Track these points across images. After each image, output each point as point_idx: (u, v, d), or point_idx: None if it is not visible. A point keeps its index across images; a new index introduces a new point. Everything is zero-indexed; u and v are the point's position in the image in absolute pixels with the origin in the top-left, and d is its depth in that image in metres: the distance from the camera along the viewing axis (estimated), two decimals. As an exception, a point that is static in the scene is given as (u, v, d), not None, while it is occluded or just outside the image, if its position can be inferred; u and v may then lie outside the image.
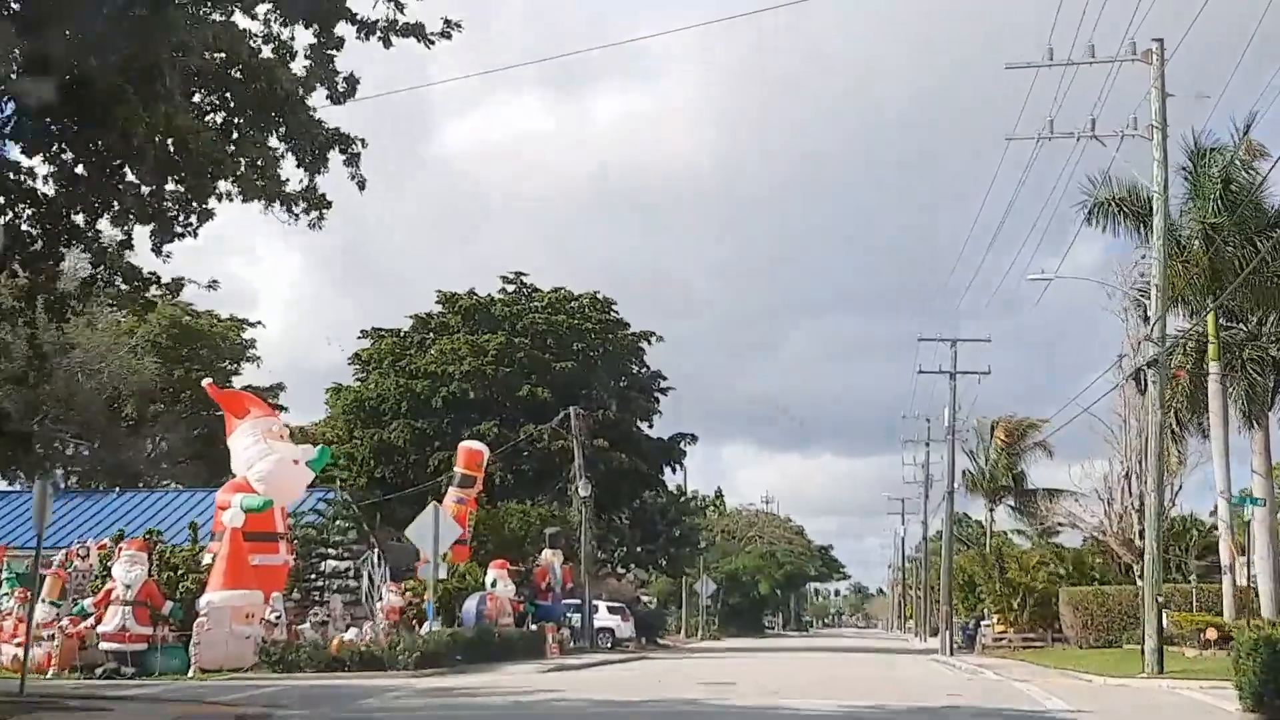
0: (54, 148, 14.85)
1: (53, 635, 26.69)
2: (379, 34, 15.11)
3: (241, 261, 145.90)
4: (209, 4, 14.43)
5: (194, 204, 15.17)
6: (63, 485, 53.58)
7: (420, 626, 31.75)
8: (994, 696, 21.53)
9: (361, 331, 59.09)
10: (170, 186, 15.11)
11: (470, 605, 36.36)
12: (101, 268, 16.01)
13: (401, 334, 57.96)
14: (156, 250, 15.33)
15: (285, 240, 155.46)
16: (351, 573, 34.20)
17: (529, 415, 53.24)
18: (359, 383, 57.15)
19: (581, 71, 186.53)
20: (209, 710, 17.48)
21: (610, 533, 57.95)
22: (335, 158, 15.41)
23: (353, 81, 15.33)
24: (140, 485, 48.70)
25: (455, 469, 43.93)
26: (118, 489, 43.48)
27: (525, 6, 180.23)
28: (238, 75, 15.14)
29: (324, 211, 15.27)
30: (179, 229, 15.33)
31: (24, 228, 15.49)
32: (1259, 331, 35.15)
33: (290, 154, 15.15)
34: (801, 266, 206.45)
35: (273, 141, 15.30)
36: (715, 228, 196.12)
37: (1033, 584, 48.00)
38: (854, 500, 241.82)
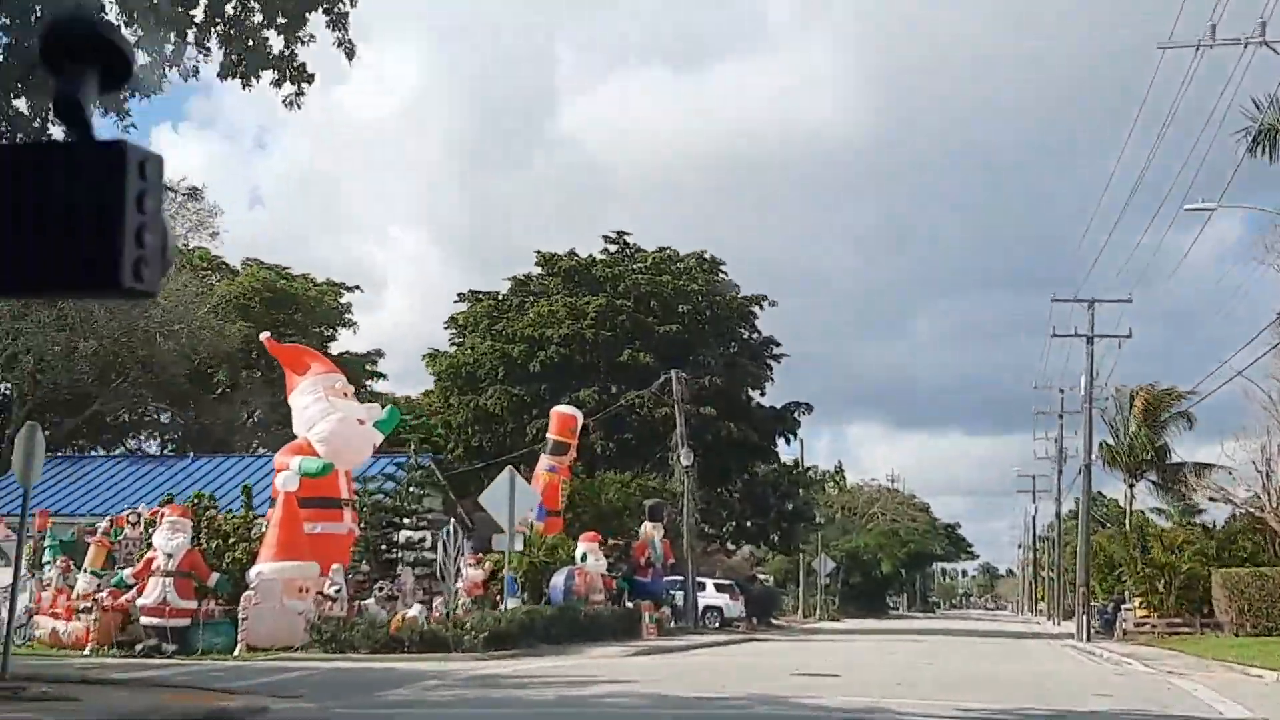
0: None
1: (89, 608, 24.45)
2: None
3: (373, 241, 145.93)
4: None
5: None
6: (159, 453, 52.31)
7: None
8: (1153, 697, 17.89)
9: (458, 295, 56.63)
10: None
11: (558, 581, 33.60)
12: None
13: (499, 297, 55.29)
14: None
15: (410, 222, 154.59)
16: (428, 544, 31.53)
17: (630, 381, 50.17)
18: (455, 348, 54.68)
19: (705, 41, 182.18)
20: (193, 700, 14.75)
21: (719, 506, 54.58)
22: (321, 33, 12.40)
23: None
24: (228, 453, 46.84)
25: (548, 435, 41.20)
26: (189, 455, 41.59)
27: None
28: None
29: (303, 86, 12.31)
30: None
31: None
32: None
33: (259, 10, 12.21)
34: (931, 240, 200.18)
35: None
36: (843, 200, 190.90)
37: (1178, 565, 43.73)
38: (983, 480, 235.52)
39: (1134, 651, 33.58)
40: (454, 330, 55.42)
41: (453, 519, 37.91)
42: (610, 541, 40.55)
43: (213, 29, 12.25)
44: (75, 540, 28.34)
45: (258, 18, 12.12)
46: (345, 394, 28.79)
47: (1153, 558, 44.89)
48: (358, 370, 58.12)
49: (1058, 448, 68.04)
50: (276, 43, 12.34)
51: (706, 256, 55.36)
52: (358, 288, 60.58)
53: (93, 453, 45.99)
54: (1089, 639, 43.44)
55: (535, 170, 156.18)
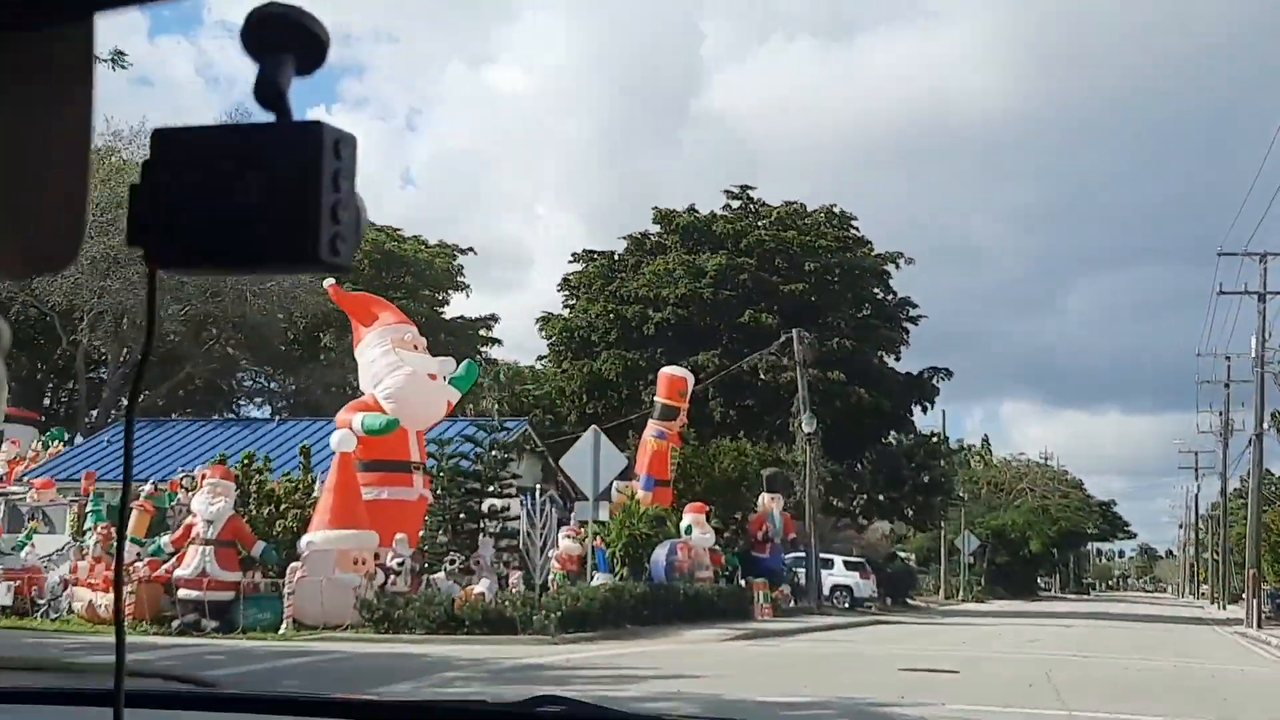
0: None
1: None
2: None
3: (519, 220, 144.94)
4: None
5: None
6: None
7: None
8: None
9: (571, 254, 53.80)
10: None
11: (659, 555, 30.63)
12: None
13: (615, 256, 52.28)
14: None
15: (557, 200, 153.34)
16: (513, 514, 28.74)
17: (752, 345, 46.64)
18: (568, 310, 51.89)
19: (860, 15, 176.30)
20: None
21: (848, 478, 50.78)
22: None
23: None
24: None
25: (655, 399, 38.08)
26: (275, 419, 39.52)
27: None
28: None
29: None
30: None
31: None
32: None
33: None
34: (1090, 214, 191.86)
35: None
36: (998, 175, 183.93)
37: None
38: (1141, 458, 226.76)
39: (1316, 643, 29.30)
40: (567, 292, 52.65)
41: (551, 488, 35.12)
42: (724, 514, 37.45)
43: None
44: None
45: None
46: (416, 346, 26.08)
47: (1335, 538, 40.36)
48: (471, 335, 55.88)
49: (1223, 419, 62.85)
50: None
51: (836, 211, 51.63)
52: (471, 250, 58.34)
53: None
54: (1259, 625, 39.13)
55: (683, 147, 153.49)
